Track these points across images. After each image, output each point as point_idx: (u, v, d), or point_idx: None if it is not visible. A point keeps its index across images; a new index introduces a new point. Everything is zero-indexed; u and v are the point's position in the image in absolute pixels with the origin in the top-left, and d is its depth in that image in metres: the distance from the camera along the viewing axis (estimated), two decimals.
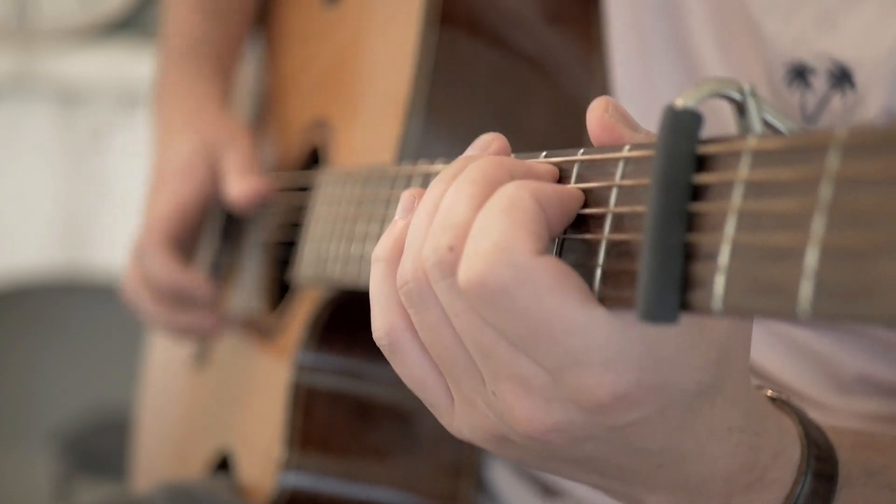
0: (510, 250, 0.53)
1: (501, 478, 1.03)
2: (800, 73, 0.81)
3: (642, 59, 0.94)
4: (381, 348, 0.63)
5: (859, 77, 0.78)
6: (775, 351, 0.86)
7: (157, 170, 1.24)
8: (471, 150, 0.63)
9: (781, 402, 0.65)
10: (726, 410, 0.58)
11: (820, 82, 0.80)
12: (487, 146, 0.63)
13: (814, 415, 0.66)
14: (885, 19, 0.77)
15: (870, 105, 0.78)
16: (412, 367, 0.62)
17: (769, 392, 0.65)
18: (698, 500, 0.61)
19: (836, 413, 0.84)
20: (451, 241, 0.56)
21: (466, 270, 0.54)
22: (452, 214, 0.57)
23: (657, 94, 0.94)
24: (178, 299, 1.20)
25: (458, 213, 0.56)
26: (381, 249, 0.62)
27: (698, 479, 0.60)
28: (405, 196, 0.64)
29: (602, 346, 0.53)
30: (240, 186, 1.16)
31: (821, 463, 0.63)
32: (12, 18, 2.69)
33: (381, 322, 0.62)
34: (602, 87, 0.97)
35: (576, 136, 0.95)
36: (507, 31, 0.99)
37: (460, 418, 0.62)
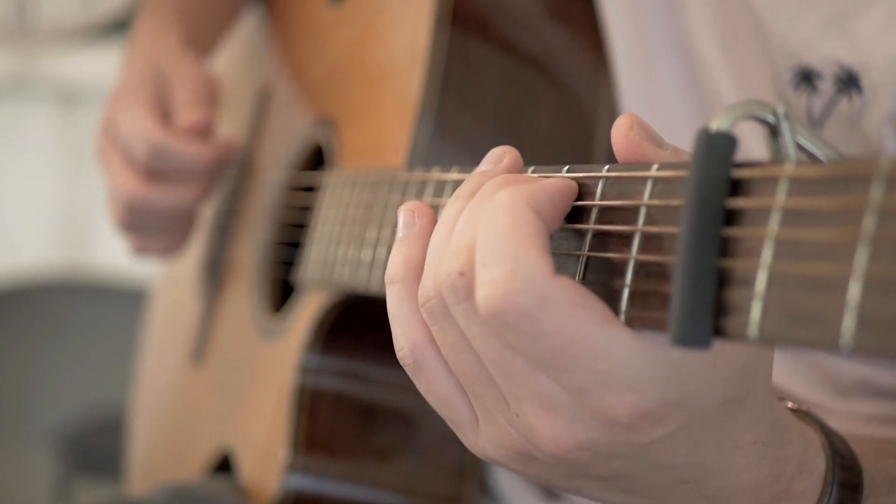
0: (527, 276, 0.53)
1: (504, 480, 1.04)
2: (806, 77, 0.81)
3: (645, 62, 0.94)
4: (406, 367, 0.63)
5: (866, 81, 0.78)
6: (775, 356, 0.86)
7: (110, 98, 1.18)
8: (483, 165, 0.63)
9: (803, 414, 0.65)
10: (751, 424, 0.58)
11: (826, 86, 0.80)
12: (500, 160, 0.63)
13: None
14: (892, 24, 0.77)
15: (876, 110, 0.77)
16: (436, 385, 0.62)
17: (790, 404, 0.66)
18: None
19: (835, 416, 0.84)
20: (462, 266, 0.56)
21: (486, 298, 0.54)
22: (466, 237, 0.57)
23: (661, 98, 0.94)
24: (158, 168, 1.12)
25: (470, 236, 0.56)
26: (393, 270, 0.63)
27: (726, 493, 0.60)
28: (404, 211, 0.64)
29: (625, 366, 0.53)
30: (186, 116, 1.12)
31: (846, 472, 0.63)
32: (12, 18, 2.68)
33: (404, 341, 0.62)
34: (609, 90, 0.97)
35: (583, 139, 0.95)
36: (516, 33, 0.99)
37: (485, 437, 0.62)
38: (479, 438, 0.62)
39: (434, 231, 0.61)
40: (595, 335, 0.53)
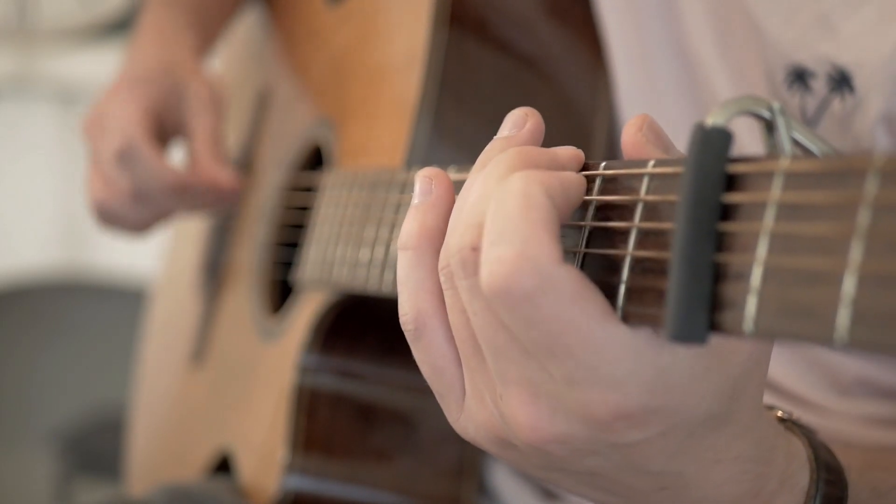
0: (535, 258, 0.53)
1: (503, 481, 1.03)
2: (800, 76, 0.81)
3: (643, 61, 0.94)
4: (407, 333, 0.63)
5: (859, 81, 0.78)
6: (774, 355, 0.86)
7: (110, 85, 1.19)
8: (504, 129, 0.62)
9: (791, 424, 0.65)
10: (734, 440, 0.58)
11: (820, 85, 0.80)
12: (522, 123, 0.62)
13: (814, 418, 0.66)
14: (884, 24, 0.77)
15: (869, 109, 0.77)
16: (434, 355, 0.62)
17: (779, 413, 0.65)
18: None
19: (836, 415, 0.84)
20: (473, 240, 0.56)
21: (490, 275, 0.54)
22: (477, 212, 0.56)
23: (659, 97, 0.94)
24: (183, 192, 1.14)
25: (482, 211, 0.56)
26: (406, 237, 0.62)
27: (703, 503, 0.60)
28: (421, 177, 0.63)
29: (613, 365, 0.53)
30: (213, 170, 1.14)
31: (830, 487, 0.62)
32: (12, 18, 2.68)
33: (409, 307, 0.62)
34: (607, 90, 0.97)
35: (581, 139, 0.95)
36: (513, 33, 0.99)
37: (468, 414, 0.62)
38: (462, 416, 0.62)
39: (458, 197, 0.61)
40: (591, 328, 0.53)
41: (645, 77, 0.94)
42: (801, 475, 0.62)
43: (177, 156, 1.22)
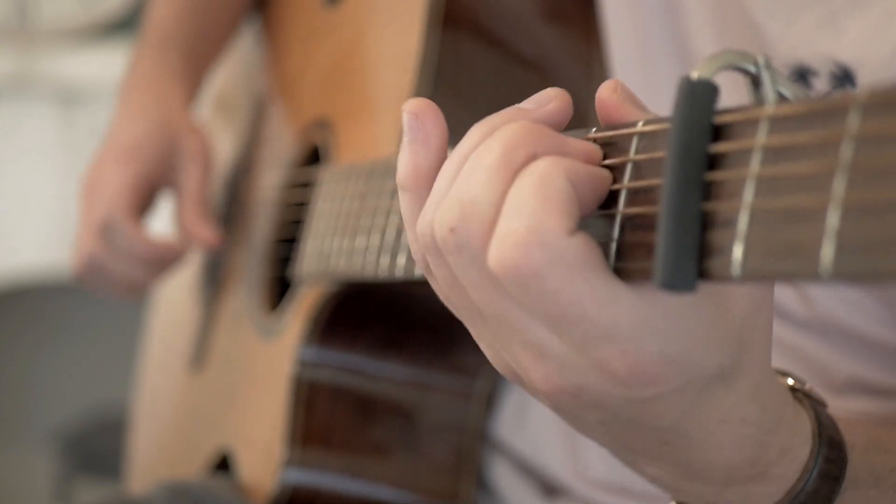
0: (542, 231, 0.52)
1: (502, 476, 1.03)
2: (802, 75, 0.81)
3: (642, 60, 0.94)
4: (420, 268, 0.62)
5: (861, 79, 0.78)
6: (773, 355, 0.86)
7: (105, 148, 1.25)
8: (527, 103, 0.60)
9: (802, 395, 0.65)
10: (743, 401, 0.58)
11: (822, 84, 0.80)
12: (546, 103, 0.59)
13: None
14: (888, 22, 0.77)
15: None
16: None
17: (791, 381, 0.65)
18: (695, 480, 0.61)
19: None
20: (453, 221, 0.56)
21: (498, 250, 0.53)
22: (465, 187, 0.56)
23: (658, 96, 0.93)
24: (158, 263, 1.22)
25: (470, 186, 0.55)
26: (403, 177, 0.61)
27: (701, 464, 0.60)
28: (406, 112, 0.61)
29: (627, 319, 0.53)
30: (195, 227, 1.21)
31: (829, 464, 0.62)
32: (12, 18, 2.68)
33: (415, 248, 0.62)
34: None
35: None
36: (508, 31, 0.99)
37: (483, 346, 0.62)
38: (482, 343, 0.62)
39: (446, 163, 0.59)
40: (600, 291, 0.53)
41: (645, 76, 0.94)
42: (801, 449, 0.62)
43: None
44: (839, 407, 0.83)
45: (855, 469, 0.64)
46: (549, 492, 1.00)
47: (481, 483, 1.04)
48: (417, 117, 0.61)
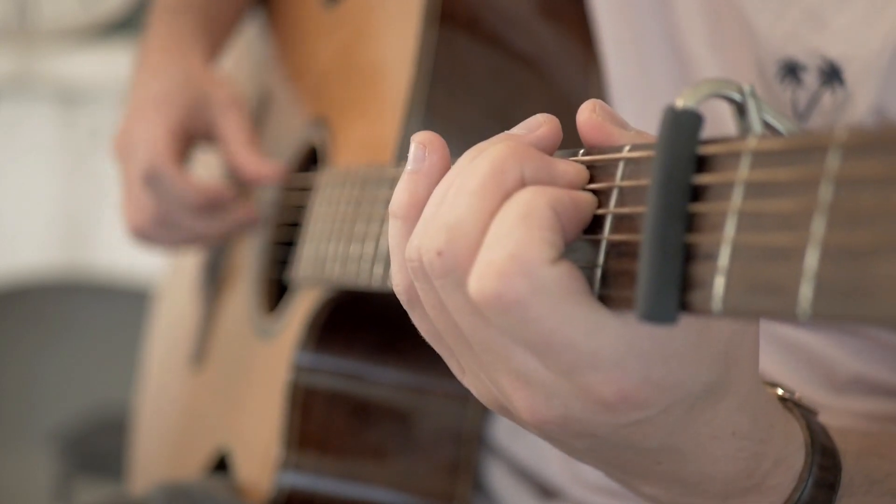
0: (525, 261, 0.52)
1: (499, 479, 1.03)
2: (791, 70, 0.81)
3: (637, 57, 0.94)
4: (401, 301, 0.62)
5: (849, 74, 0.78)
6: (770, 351, 0.85)
7: (130, 107, 1.21)
8: (517, 129, 0.60)
9: (792, 405, 0.65)
10: (732, 415, 0.58)
11: (811, 79, 0.80)
12: (536, 128, 0.59)
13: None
14: (874, 17, 0.77)
15: (859, 102, 0.77)
16: (427, 324, 0.61)
17: (780, 391, 0.65)
18: (693, 495, 0.61)
19: (831, 413, 0.84)
20: (440, 245, 0.55)
21: (480, 280, 0.53)
22: (451, 211, 0.56)
23: (653, 92, 0.94)
24: (211, 209, 1.17)
25: (455, 210, 0.55)
26: (396, 205, 0.61)
27: (696, 478, 0.60)
28: (416, 143, 0.61)
29: (612, 345, 0.53)
30: (254, 165, 1.16)
31: (824, 472, 0.62)
32: (12, 18, 2.68)
33: (400, 279, 0.61)
34: (598, 86, 0.97)
35: (573, 136, 0.95)
36: (505, 30, 0.99)
37: (468, 381, 0.62)
38: (464, 379, 0.62)
39: (438, 185, 0.59)
40: (584, 318, 0.53)
41: (637, 72, 0.94)
42: (796, 457, 0.62)
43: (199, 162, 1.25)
44: (842, 406, 0.83)
45: (850, 475, 0.64)
46: (546, 495, 1.00)
47: (478, 486, 1.04)
48: (426, 149, 0.61)
